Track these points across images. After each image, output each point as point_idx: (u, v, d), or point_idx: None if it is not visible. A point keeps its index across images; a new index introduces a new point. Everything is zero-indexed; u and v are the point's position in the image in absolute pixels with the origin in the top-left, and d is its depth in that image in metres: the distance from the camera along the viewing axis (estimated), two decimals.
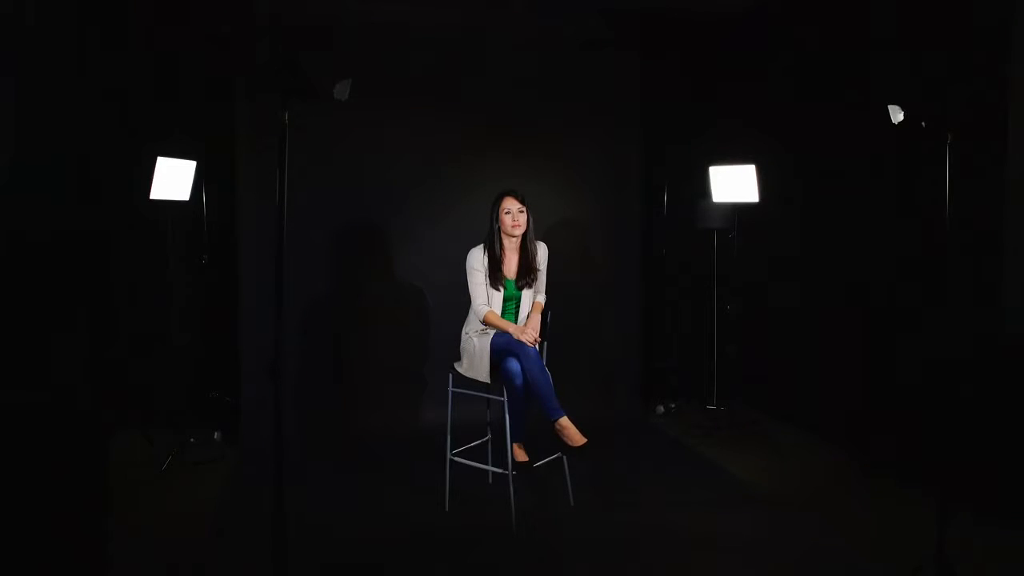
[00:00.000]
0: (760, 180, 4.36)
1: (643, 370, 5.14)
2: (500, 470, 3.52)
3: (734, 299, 4.87)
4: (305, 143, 4.38)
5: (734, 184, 4.42)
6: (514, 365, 3.31)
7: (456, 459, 3.49)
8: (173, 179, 3.92)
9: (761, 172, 4.38)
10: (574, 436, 3.27)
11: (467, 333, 3.52)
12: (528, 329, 3.39)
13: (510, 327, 3.42)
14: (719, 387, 4.81)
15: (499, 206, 3.49)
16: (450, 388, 3.50)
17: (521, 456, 3.45)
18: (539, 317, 3.53)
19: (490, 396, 3.52)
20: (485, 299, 3.47)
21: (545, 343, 3.61)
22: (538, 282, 3.61)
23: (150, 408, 4.27)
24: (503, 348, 3.36)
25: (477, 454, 3.60)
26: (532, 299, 3.57)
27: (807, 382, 4.65)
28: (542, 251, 3.61)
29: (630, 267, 5.10)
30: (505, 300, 3.52)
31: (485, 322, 3.46)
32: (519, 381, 3.29)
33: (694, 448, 4.38)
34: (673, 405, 5.05)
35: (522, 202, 3.50)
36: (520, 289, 3.54)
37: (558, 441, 3.29)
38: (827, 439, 4.37)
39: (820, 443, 4.39)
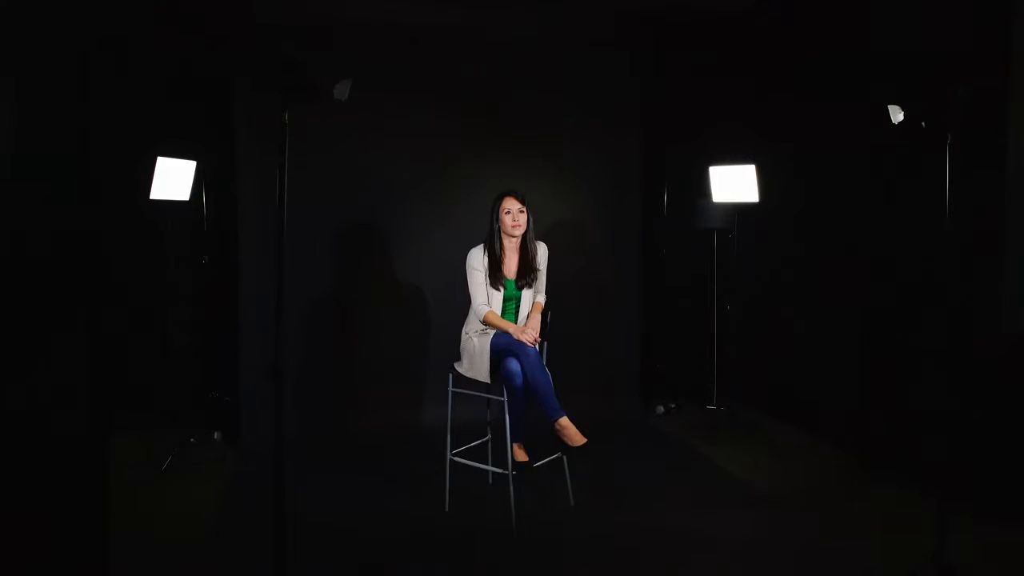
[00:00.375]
0: (760, 180, 4.36)
1: (643, 370, 5.14)
2: (500, 470, 3.52)
3: (734, 299, 4.87)
4: (305, 143, 4.40)
5: (734, 184, 4.42)
6: (514, 365, 3.31)
7: (456, 459, 3.50)
8: (173, 179, 3.92)
9: (761, 172, 4.38)
10: (574, 436, 3.27)
11: (467, 333, 3.52)
12: (528, 329, 3.39)
13: (510, 327, 3.42)
14: (719, 387, 4.81)
15: (499, 206, 3.49)
16: (450, 388, 3.50)
17: (521, 456, 3.45)
18: (539, 317, 3.53)
19: (490, 396, 3.52)
20: (485, 299, 3.47)
21: (545, 343, 3.61)
22: (538, 282, 3.61)
23: (150, 408, 4.25)
24: (503, 348, 3.37)
25: (477, 454, 3.60)
26: (532, 299, 3.58)
27: (807, 382, 4.65)
28: (542, 251, 3.61)
29: (630, 267, 5.11)
30: (505, 300, 3.52)
31: (485, 322, 3.46)
32: (519, 381, 3.29)
33: (694, 448, 4.38)
34: (673, 405, 5.05)
35: (522, 202, 3.50)
36: (520, 289, 3.54)
37: (558, 441, 3.29)
38: (827, 439, 4.37)
39: (820, 443, 4.39)
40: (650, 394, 5.13)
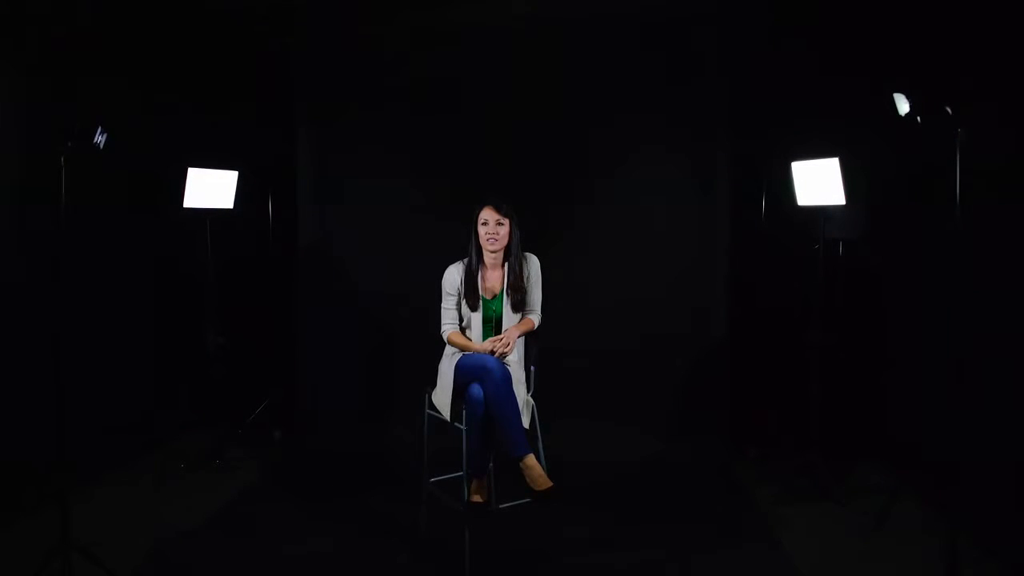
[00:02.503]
0: (847, 178, 3.46)
1: (731, 405, 4.33)
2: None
3: (838, 325, 3.93)
4: (342, 149, 4.46)
5: (819, 183, 3.57)
6: (477, 391, 2.94)
7: (432, 488, 3.22)
8: (215, 188, 4.02)
9: (850, 167, 3.48)
10: (537, 479, 2.85)
11: (444, 355, 3.23)
12: (496, 337, 3.06)
13: (475, 345, 3.08)
14: (838, 435, 3.86)
15: (477, 217, 3.15)
16: (426, 411, 3.22)
17: (478, 496, 3.03)
18: (518, 331, 3.14)
19: (458, 425, 3.10)
20: (451, 320, 3.19)
21: (532, 368, 3.20)
22: (530, 299, 3.22)
23: (207, 410, 4.44)
24: (468, 371, 3.01)
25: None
26: (520, 320, 3.19)
27: (944, 438, 3.04)
28: (532, 266, 3.22)
29: (716, 281, 4.35)
30: (484, 321, 3.18)
31: (450, 343, 3.16)
32: (481, 410, 2.92)
33: (771, 517, 3.39)
34: (765, 452, 4.12)
35: (503, 213, 3.12)
36: (510, 309, 3.17)
37: (522, 482, 2.87)
38: (971, 528, 2.84)
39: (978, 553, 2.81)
40: (740, 435, 4.28)
